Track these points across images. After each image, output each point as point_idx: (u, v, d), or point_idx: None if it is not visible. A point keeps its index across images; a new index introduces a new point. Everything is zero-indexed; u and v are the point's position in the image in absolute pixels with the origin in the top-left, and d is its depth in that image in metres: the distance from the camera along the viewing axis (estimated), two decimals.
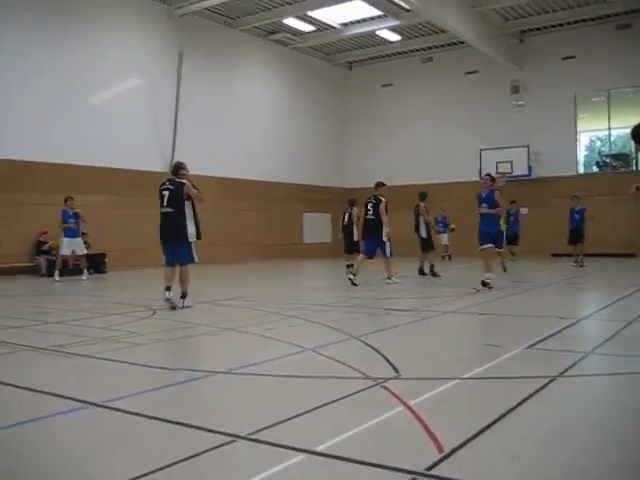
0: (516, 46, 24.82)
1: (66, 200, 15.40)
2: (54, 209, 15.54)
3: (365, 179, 27.77)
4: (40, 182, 16.95)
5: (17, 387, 4.66)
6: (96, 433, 3.63)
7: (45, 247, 16.80)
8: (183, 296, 9.16)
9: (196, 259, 9.32)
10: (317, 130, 27.56)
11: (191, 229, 9.13)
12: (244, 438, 3.37)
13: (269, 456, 3.13)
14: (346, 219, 16.48)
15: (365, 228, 13.22)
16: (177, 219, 9.03)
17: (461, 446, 3.18)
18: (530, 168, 24.04)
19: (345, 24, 23.96)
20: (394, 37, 25.57)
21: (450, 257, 22.28)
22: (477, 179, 24.66)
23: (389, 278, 12.68)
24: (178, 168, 9.39)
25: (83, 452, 3.29)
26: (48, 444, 3.47)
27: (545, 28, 24.21)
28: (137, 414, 3.89)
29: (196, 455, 3.13)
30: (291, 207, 25.94)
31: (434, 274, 14.25)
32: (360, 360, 5.36)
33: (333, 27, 24.07)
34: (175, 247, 9.16)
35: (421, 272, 14.50)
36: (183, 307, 9.04)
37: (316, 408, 3.91)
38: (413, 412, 3.75)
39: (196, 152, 21.02)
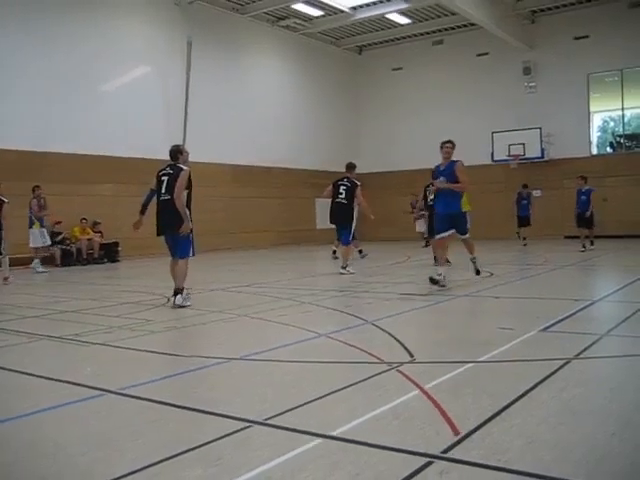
0: (527, 27, 24.50)
1: (35, 189, 15.40)
2: (67, 199, 15.66)
3: (376, 164, 27.77)
4: (52, 172, 17.02)
5: (34, 375, 4.71)
6: (113, 420, 3.66)
7: (59, 237, 16.90)
8: (175, 293, 8.17)
9: (192, 253, 8.41)
10: (328, 115, 27.45)
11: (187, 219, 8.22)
12: (260, 423, 3.39)
13: (285, 441, 3.15)
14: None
15: (334, 212, 12.24)
16: (175, 207, 8.16)
17: (477, 429, 3.19)
18: (543, 150, 23.81)
19: (354, 8, 23.76)
20: (404, 20, 25.35)
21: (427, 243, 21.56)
22: (490, 162, 24.59)
23: (344, 267, 11.86)
24: (176, 152, 8.51)
25: (100, 439, 3.32)
26: (66, 431, 3.51)
27: (557, 8, 23.86)
28: (153, 401, 3.92)
29: (213, 441, 3.15)
30: (303, 193, 25.89)
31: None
32: (375, 345, 5.37)
33: (342, 11, 23.89)
34: (174, 237, 8.31)
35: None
36: (174, 306, 8.06)
37: (331, 393, 3.93)
38: (428, 396, 3.75)
39: (207, 139, 21.07)
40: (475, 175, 24.29)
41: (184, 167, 8.39)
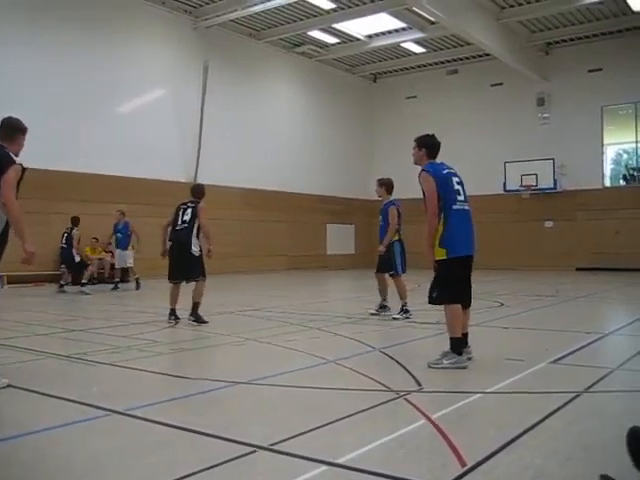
0: (542, 58, 24.64)
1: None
2: (83, 218, 15.71)
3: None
4: (68, 191, 17.18)
5: (40, 394, 4.70)
6: (118, 441, 3.64)
7: None
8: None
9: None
10: (341, 142, 27.58)
11: None
12: (265, 449, 3.36)
13: (290, 467, 3.12)
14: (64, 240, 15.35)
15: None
16: None
17: (484, 460, 3.14)
18: (555, 181, 23.80)
19: (370, 36, 24.00)
20: (419, 49, 25.56)
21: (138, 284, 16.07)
22: (502, 192, 24.57)
23: None
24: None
25: (104, 459, 3.31)
26: (71, 450, 3.49)
27: (571, 40, 24.01)
28: (158, 423, 3.90)
29: (217, 465, 3.13)
30: (314, 218, 25.95)
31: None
32: (382, 372, 5.33)
33: (358, 39, 24.13)
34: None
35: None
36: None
37: (338, 420, 3.89)
38: (435, 425, 3.71)
39: (220, 163, 21.22)
40: (487, 204, 24.42)
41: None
